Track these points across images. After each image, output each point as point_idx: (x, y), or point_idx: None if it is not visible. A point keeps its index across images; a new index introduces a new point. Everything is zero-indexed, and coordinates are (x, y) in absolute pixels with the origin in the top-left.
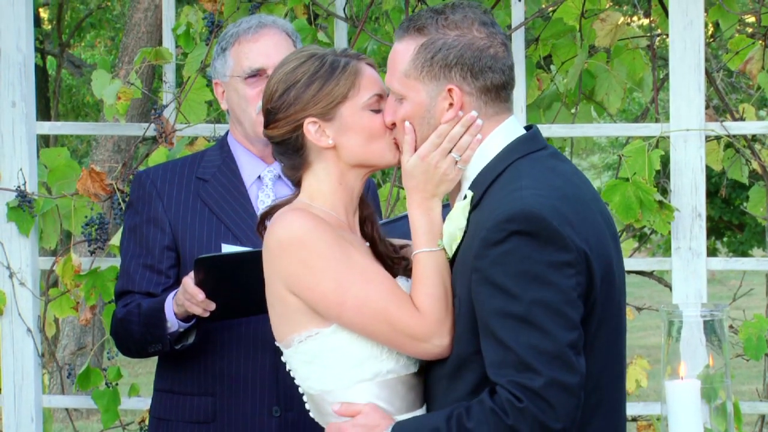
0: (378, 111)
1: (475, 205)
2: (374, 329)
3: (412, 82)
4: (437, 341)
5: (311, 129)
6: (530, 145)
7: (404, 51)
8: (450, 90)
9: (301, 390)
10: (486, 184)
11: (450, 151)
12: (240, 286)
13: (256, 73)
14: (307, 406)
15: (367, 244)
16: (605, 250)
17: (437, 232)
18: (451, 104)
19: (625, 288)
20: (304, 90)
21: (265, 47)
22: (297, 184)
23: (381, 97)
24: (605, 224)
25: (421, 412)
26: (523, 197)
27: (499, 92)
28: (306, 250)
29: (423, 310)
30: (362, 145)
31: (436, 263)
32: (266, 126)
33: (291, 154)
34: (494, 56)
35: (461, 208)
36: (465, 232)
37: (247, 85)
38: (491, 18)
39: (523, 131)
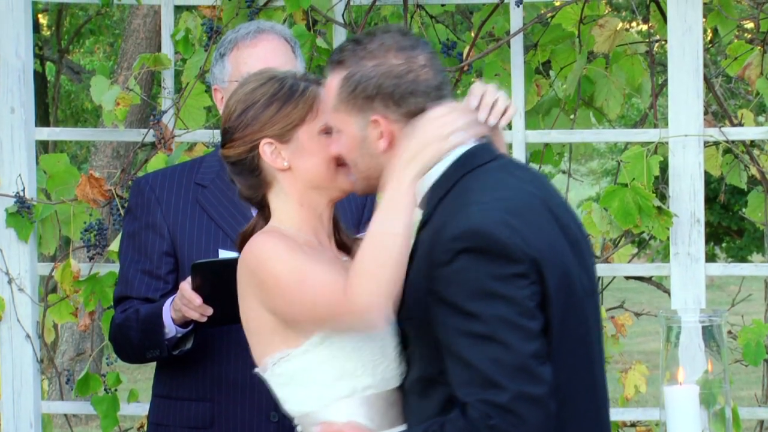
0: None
1: (424, 224)
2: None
3: (342, 115)
4: (357, 317)
5: (267, 150)
6: (477, 158)
7: (331, 85)
8: (375, 120)
9: (290, 414)
10: (434, 202)
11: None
12: (237, 292)
13: None
14: (299, 429)
15: (345, 258)
16: (560, 258)
17: (400, 212)
18: (382, 133)
19: (594, 294)
20: (263, 111)
21: (263, 52)
22: (257, 204)
23: None
24: (562, 231)
25: (405, 428)
26: (468, 214)
27: None
28: (270, 267)
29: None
30: (316, 169)
31: (375, 240)
32: (222, 145)
33: (246, 174)
34: (414, 80)
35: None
36: (416, 251)
37: None
38: (411, 40)
39: (473, 144)
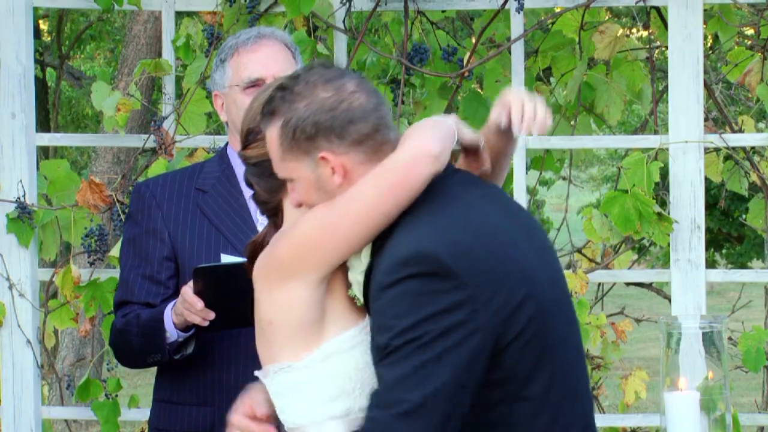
0: None
1: (379, 248)
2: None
3: (291, 163)
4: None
5: None
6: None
7: (271, 138)
8: (323, 158)
9: (284, 423)
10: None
11: None
12: (239, 296)
13: (255, 83)
14: None
15: None
16: (520, 270)
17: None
18: (333, 169)
19: (566, 299)
20: None
21: (264, 57)
22: (271, 211)
23: None
24: (527, 240)
25: None
26: (418, 236)
27: (373, 137)
28: (310, 223)
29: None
30: None
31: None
32: (245, 146)
33: (267, 176)
34: (349, 108)
35: (363, 252)
36: (370, 277)
37: (246, 95)
38: (336, 71)
39: None
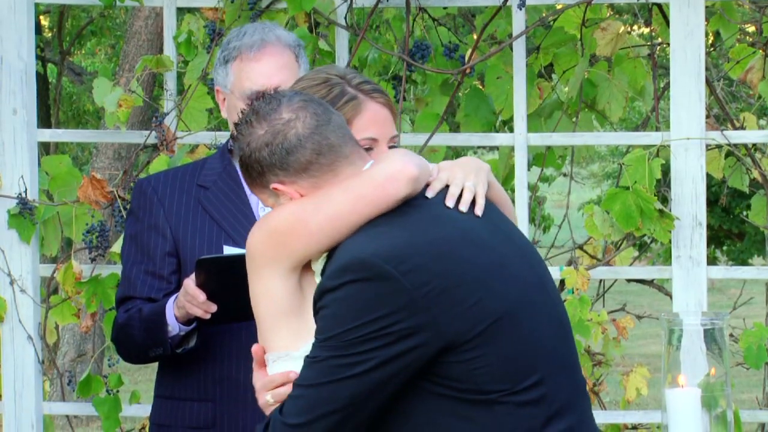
0: (368, 150)
1: (330, 255)
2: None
3: (260, 195)
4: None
5: None
6: None
7: (242, 175)
8: (275, 189)
9: None
10: None
11: None
12: (241, 289)
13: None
14: None
15: None
16: (479, 266)
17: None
18: (289, 197)
19: (544, 290)
20: None
21: (266, 68)
22: None
23: (375, 140)
24: (493, 235)
25: None
26: (358, 245)
27: (317, 160)
28: (285, 213)
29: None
30: None
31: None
32: None
33: None
34: (284, 140)
35: (319, 262)
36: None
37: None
38: (273, 102)
39: None
